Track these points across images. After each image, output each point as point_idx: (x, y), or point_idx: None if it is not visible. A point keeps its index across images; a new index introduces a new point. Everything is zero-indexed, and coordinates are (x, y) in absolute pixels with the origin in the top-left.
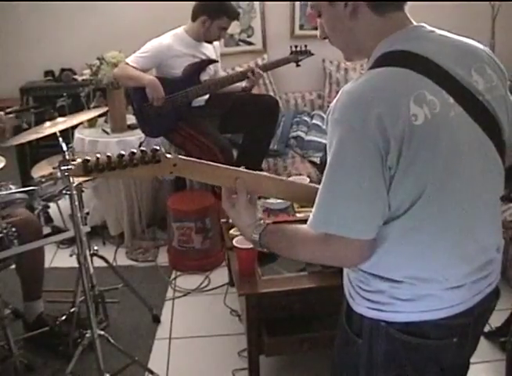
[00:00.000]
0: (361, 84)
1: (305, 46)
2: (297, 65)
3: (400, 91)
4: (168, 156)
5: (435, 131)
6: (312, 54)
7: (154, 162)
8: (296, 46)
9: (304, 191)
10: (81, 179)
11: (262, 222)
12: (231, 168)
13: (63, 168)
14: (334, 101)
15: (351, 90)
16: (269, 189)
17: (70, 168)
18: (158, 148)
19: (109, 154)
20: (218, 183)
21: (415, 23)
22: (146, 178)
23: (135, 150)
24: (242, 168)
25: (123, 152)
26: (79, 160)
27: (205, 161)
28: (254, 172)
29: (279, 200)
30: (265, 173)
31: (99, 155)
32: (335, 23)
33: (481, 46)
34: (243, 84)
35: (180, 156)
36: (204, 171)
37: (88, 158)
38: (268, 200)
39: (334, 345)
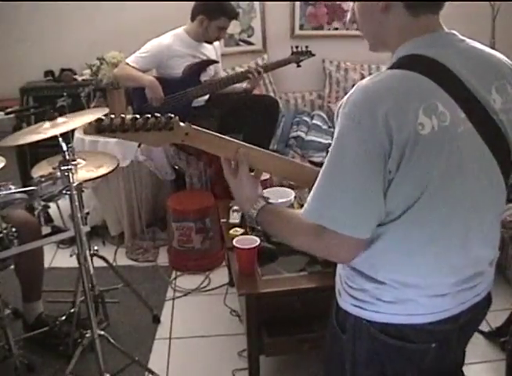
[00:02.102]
0: (376, 82)
1: (306, 47)
2: (298, 66)
3: (412, 97)
4: (181, 124)
5: (440, 143)
6: (313, 55)
7: (167, 129)
8: (297, 47)
9: (308, 173)
10: (81, 179)
11: (261, 200)
12: (240, 142)
13: (63, 168)
14: (347, 95)
15: (365, 87)
16: (272, 165)
17: (85, 127)
18: (172, 115)
19: (123, 115)
20: (225, 154)
21: (446, 30)
22: (157, 144)
23: (149, 115)
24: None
25: (137, 115)
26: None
27: (215, 133)
28: (259, 149)
29: (279, 200)
30: (268, 151)
31: (113, 116)
32: (366, 13)
33: (509, 64)
34: (245, 85)
35: (193, 125)
36: (214, 141)
37: (102, 117)
38: (269, 200)
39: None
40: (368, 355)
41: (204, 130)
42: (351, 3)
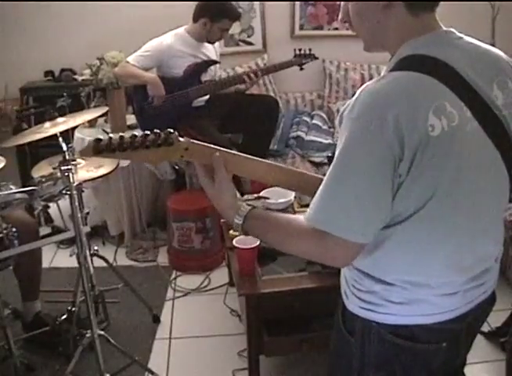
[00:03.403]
0: (383, 85)
1: (309, 50)
2: (301, 68)
3: (421, 99)
4: (181, 139)
5: (449, 143)
6: (316, 58)
7: (167, 145)
8: (300, 49)
9: (303, 180)
10: (81, 179)
11: (245, 204)
12: (242, 154)
13: (63, 168)
14: (353, 98)
15: (372, 90)
16: (264, 174)
17: (82, 148)
18: (172, 131)
19: (122, 134)
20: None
21: (444, 28)
22: (156, 161)
23: (148, 132)
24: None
25: (136, 133)
26: (91, 139)
27: (215, 146)
28: (251, 157)
29: (279, 200)
30: (261, 159)
31: (111, 135)
32: (365, 12)
33: (507, 59)
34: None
35: (192, 140)
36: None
37: (101, 138)
38: (268, 201)
39: (330, 342)
40: (378, 357)
41: (204, 144)
42: (342, 2)
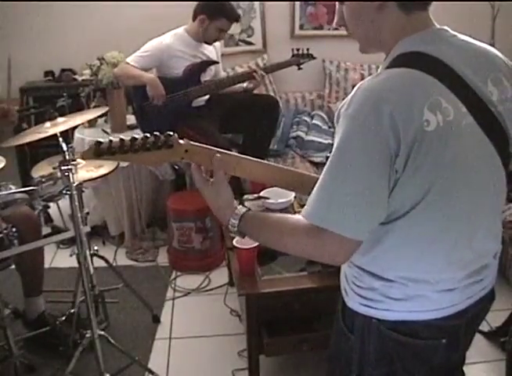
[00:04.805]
0: (379, 82)
1: (307, 49)
2: (299, 68)
3: (416, 95)
4: (181, 141)
5: (445, 138)
6: (314, 58)
7: (167, 147)
8: (298, 49)
9: (301, 180)
10: (81, 179)
11: (241, 206)
12: (240, 155)
13: (63, 168)
14: (349, 96)
15: (368, 87)
16: (264, 175)
17: (83, 151)
18: (172, 133)
19: (122, 137)
20: (225, 169)
21: (437, 26)
22: (157, 163)
23: (148, 135)
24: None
25: (136, 136)
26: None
27: (215, 148)
28: (250, 158)
29: (279, 200)
30: (260, 160)
31: (111, 138)
32: (359, 13)
33: (501, 56)
34: (245, 84)
35: (191, 142)
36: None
37: (101, 140)
38: (268, 201)
39: (330, 339)
40: (377, 354)
41: (204, 145)
42: (337, 5)
